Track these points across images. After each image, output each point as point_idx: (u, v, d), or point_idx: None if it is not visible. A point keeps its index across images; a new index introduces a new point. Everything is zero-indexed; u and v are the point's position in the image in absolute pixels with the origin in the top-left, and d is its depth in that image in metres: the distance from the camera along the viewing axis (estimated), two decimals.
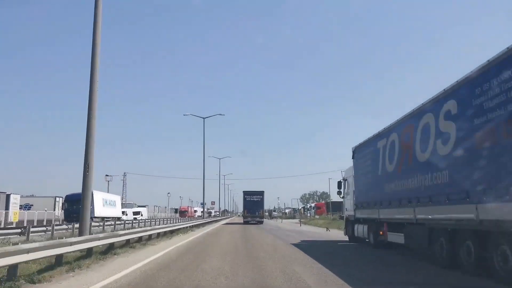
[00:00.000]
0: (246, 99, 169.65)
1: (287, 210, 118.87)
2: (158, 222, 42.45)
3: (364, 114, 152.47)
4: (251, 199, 44.66)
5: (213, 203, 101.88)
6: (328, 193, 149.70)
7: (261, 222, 44.08)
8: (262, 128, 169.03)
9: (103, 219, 36.29)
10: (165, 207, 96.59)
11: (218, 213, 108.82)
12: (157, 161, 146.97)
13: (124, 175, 66.29)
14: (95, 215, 35.47)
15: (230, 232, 28.49)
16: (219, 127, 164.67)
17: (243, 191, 46.19)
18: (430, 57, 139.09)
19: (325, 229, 29.11)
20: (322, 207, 79.69)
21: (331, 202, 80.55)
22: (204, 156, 43.88)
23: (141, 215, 54.03)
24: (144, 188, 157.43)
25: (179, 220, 45.04)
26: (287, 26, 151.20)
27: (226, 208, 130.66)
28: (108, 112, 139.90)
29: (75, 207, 34.12)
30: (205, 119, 43.37)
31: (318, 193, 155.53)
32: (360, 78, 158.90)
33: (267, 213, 66.79)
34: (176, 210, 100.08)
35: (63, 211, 34.96)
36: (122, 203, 66.62)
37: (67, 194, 35.15)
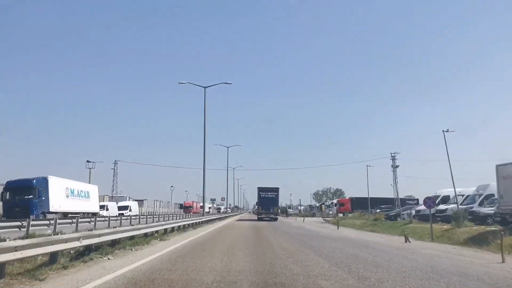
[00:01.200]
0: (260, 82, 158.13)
1: (301, 207, 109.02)
2: (152, 219, 33.03)
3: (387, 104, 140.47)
4: (266, 195, 43.83)
5: (222, 199, 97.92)
6: (342, 190, 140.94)
7: (276, 219, 42.99)
8: (276, 117, 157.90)
9: (65, 214, 26.47)
10: (168, 202, 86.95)
11: (228, 209, 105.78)
12: (161, 150, 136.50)
13: (115, 163, 56.60)
14: (51, 209, 25.63)
15: (236, 236, 18.15)
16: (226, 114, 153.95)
17: (258, 187, 45.41)
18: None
19: (397, 237, 18.46)
20: (346, 204, 68.85)
21: (356, 198, 69.84)
22: (204, 133, 33.80)
23: (130, 210, 44.16)
24: (147, 180, 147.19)
25: (177, 217, 36.14)
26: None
27: (236, 204, 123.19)
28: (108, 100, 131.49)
29: (19, 198, 24.38)
30: (206, 88, 34.54)
31: (332, 190, 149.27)
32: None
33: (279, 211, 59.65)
34: (181, 206, 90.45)
35: (1, 204, 25.21)
36: (111, 196, 57.20)
37: (8, 180, 25.35)
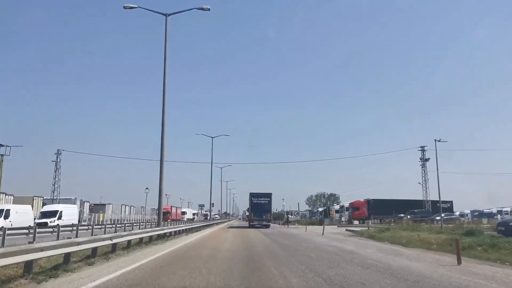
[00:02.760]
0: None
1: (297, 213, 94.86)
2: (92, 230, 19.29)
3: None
4: (258, 201, 42.01)
5: (212, 204, 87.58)
6: (337, 195, 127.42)
7: (268, 226, 41.02)
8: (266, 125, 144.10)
9: None
10: (142, 207, 72.35)
11: (217, 216, 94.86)
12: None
13: (58, 153, 42.25)
14: None
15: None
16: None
17: (250, 193, 43.43)
18: None
19: None
20: (362, 208, 54.94)
21: (373, 200, 55.95)
22: (164, 81, 19.89)
23: (59, 217, 29.77)
24: (123, 183, 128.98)
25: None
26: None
27: (226, 210, 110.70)
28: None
29: None
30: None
31: (326, 195, 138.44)
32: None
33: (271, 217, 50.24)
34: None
35: None
36: (53, 199, 42.62)
37: None
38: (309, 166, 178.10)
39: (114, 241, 11.66)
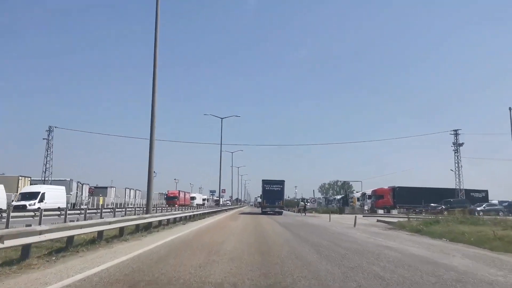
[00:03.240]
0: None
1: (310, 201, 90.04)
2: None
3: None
4: (271, 188, 41.80)
5: (223, 190, 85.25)
6: (350, 183, 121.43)
7: (281, 213, 40.53)
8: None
9: None
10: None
11: (228, 202, 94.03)
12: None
13: (49, 130, 37.87)
14: None
15: None
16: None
17: (262, 180, 43.38)
18: None
19: None
20: (387, 196, 49.64)
21: (399, 188, 50.43)
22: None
23: (42, 200, 25.51)
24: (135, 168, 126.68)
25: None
26: None
27: (237, 197, 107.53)
28: None
29: None
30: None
31: (339, 183, 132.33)
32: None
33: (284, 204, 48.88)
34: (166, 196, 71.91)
35: None
36: (44, 180, 38.52)
37: None
38: (323, 152, 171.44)
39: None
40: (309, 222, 25.05)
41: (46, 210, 20.43)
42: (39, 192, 25.84)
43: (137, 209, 34.20)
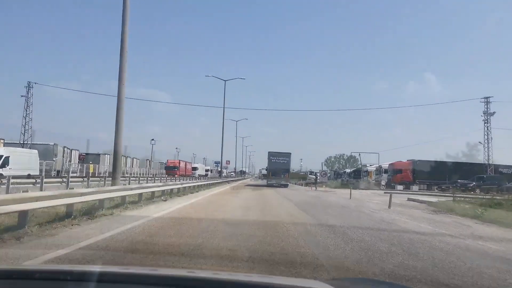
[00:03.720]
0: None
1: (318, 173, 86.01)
2: None
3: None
4: (277, 160, 41.27)
5: (228, 162, 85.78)
6: (357, 157, 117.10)
7: (286, 186, 40.13)
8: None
9: None
10: (147, 159, 64.63)
11: (232, 173, 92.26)
12: None
13: (29, 86, 33.24)
14: None
15: None
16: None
17: (268, 152, 42.42)
18: None
19: None
20: (406, 170, 45.03)
21: (420, 161, 45.76)
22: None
23: (2, 165, 21.28)
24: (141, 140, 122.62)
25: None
26: None
27: (242, 168, 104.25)
28: None
29: None
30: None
31: (345, 157, 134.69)
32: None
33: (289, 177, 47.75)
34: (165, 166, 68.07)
35: None
36: (23, 143, 34.25)
37: None
38: (329, 122, 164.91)
39: None
40: (328, 200, 20.58)
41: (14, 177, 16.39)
42: (1, 156, 21.52)
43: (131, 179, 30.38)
